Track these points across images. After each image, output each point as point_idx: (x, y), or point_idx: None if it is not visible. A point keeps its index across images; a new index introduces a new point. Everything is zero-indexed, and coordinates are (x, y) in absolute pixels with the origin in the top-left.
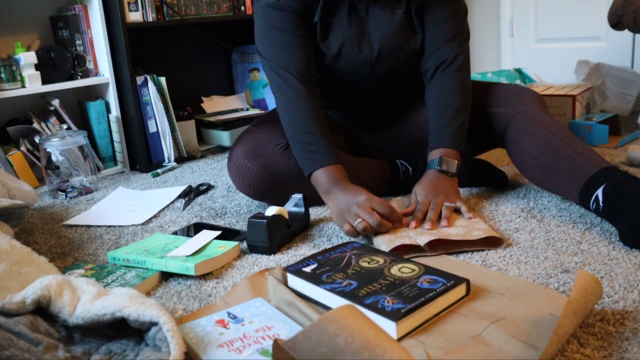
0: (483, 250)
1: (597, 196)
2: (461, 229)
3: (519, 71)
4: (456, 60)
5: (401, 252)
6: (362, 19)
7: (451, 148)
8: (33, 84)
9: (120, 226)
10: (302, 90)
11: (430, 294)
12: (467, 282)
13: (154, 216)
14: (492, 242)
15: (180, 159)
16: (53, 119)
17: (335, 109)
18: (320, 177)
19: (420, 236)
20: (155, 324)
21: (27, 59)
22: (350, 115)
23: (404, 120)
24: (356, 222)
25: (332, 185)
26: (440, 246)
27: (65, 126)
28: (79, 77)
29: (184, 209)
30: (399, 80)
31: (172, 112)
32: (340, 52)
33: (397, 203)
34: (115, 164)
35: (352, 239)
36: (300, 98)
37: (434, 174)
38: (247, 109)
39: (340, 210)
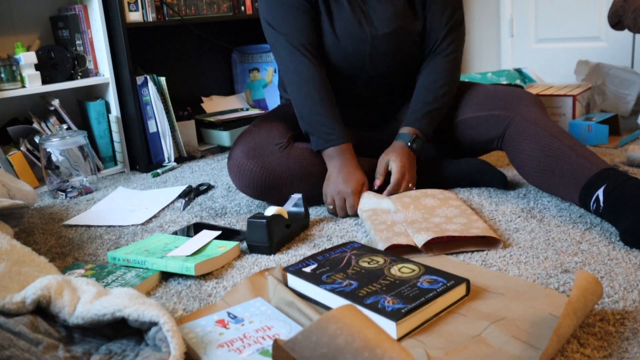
0: (483, 250)
1: (597, 197)
2: (459, 225)
3: (519, 71)
4: (447, 49)
5: (398, 252)
6: (363, 0)
7: (421, 130)
8: (33, 84)
9: (120, 226)
10: (319, 67)
11: (431, 294)
12: (467, 282)
13: (154, 216)
14: (489, 243)
15: (180, 159)
16: (53, 119)
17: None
18: (333, 152)
19: (417, 234)
20: (155, 324)
21: (27, 59)
22: (350, 107)
23: (404, 120)
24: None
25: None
26: (436, 245)
27: (65, 126)
28: (79, 77)
29: (184, 209)
30: (398, 66)
31: (172, 112)
32: (342, 29)
33: (375, 196)
34: (115, 164)
35: (352, 239)
36: (313, 73)
37: (406, 149)
38: (247, 109)
39: (328, 185)
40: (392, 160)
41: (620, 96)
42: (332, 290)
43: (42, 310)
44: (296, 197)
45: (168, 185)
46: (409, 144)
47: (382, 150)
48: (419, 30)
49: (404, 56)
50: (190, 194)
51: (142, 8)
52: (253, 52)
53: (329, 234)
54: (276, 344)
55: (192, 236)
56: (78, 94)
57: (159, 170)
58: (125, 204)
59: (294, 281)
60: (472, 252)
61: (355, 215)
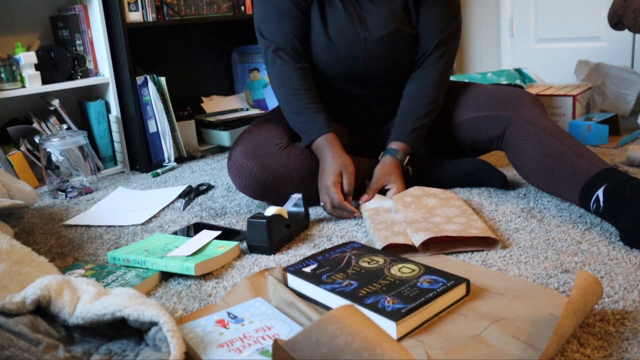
0: (482, 250)
1: (597, 197)
2: (459, 225)
3: (519, 71)
4: (440, 61)
5: (396, 252)
6: (359, 3)
7: (410, 145)
8: (33, 84)
9: (120, 226)
10: (297, 68)
11: (431, 294)
12: (467, 282)
13: (154, 216)
14: (488, 243)
15: (180, 159)
16: (53, 119)
17: (331, 104)
18: (317, 146)
19: (415, 234)
20: (155, 324)
21: (27, 59)
22: (346, 107)
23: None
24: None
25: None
26: (434, 245)
27: (65, 126)
28: (79, 77)
29: (184, 209)
30: (393, 68)
31: (172, 112)
32: (336, 32)
33: (378, 196)
34: (115, 164)
35: (352, 239)
36: (295, 75)
37: (402, 169)
38: (247, 109)
39: (320, 181)
40: (392, 182)
41: (620, 96)
42: (332, 290)
43: (42, 310)
44: (296, 197)
45: (168, 185)
46: (404, 165)
47: (379, 149)
48: (414, 34)
49: (398, 59)
50: (190, 194)
51: (142, 8)
52: (253, 52)
53: (329, 234)
54: (276, 344)
55: (192, 236)
56: (78, 94)
57: (159, 170)
58: (125, 204)
59: (294, 281)
60: (472, 252)
61: (350, 215)
